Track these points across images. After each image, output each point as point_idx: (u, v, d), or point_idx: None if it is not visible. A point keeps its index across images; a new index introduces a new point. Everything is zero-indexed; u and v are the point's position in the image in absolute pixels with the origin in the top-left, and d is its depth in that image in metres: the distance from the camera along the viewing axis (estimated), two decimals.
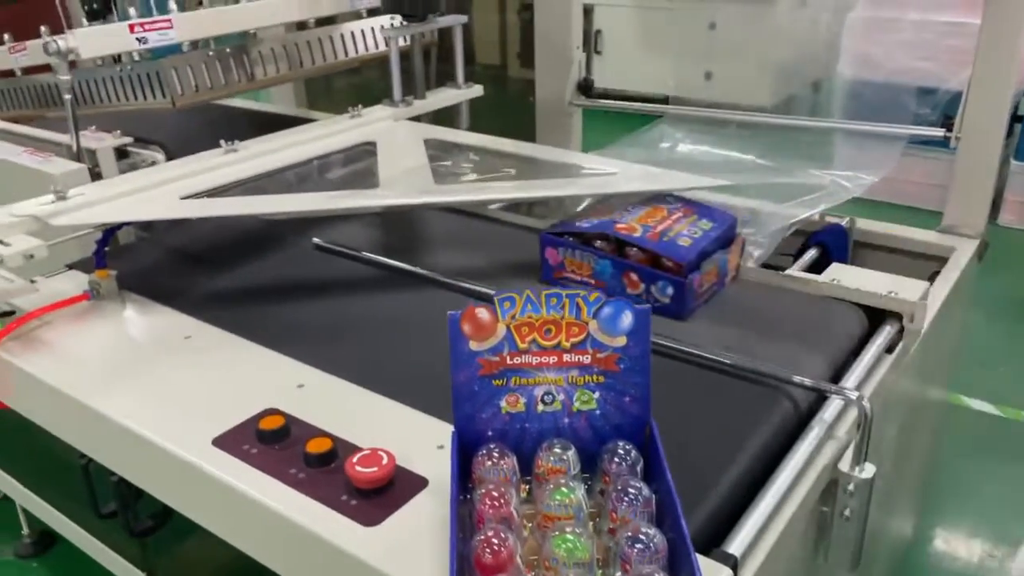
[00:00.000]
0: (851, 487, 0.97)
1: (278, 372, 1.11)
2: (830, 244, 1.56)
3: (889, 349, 1.17)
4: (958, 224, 1.56)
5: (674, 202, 1.35)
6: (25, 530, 1.99)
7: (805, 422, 1.01)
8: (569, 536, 0.69)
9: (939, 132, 1.59)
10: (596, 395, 0.81)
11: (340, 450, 0.92)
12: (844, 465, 0.98)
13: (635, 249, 1.22)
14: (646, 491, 0.74)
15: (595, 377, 0.80)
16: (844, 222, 1.59)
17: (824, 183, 1.62)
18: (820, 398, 1.04)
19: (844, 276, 1.26)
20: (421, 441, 0.94)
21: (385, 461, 0.88)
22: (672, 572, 0.68)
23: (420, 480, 0.89)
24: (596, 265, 1.25)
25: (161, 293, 1.33)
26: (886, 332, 1.17)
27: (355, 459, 0.88)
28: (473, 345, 0.79)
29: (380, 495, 0.86)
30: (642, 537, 0.68)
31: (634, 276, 1.22)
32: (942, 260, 1.49)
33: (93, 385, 1.11)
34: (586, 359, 0.79)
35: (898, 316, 1.19)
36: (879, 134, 1.72)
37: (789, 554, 0.92)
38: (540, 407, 0.81)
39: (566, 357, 0.80)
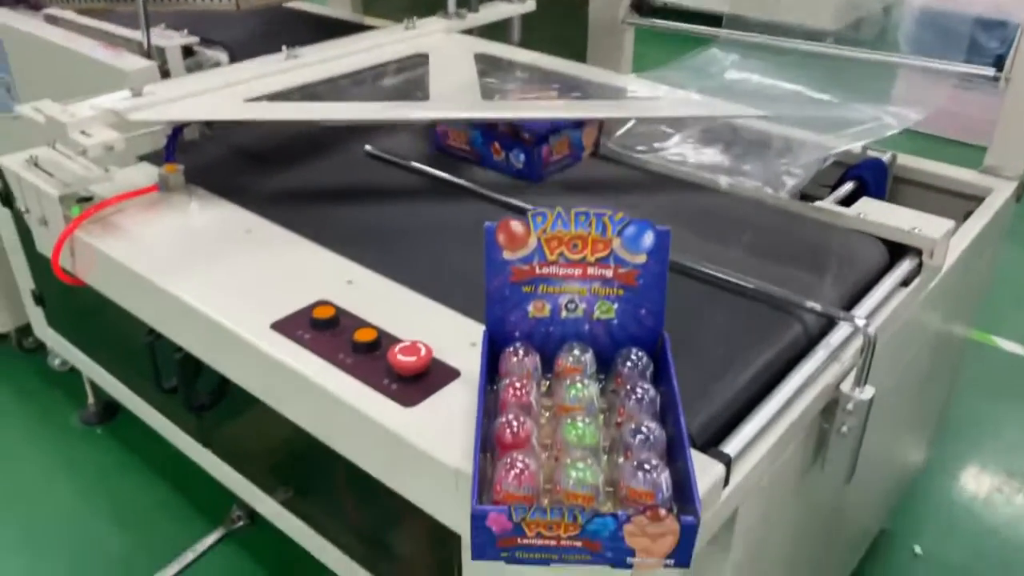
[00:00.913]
0: (850, 406, 1.04)
1: (329, 268, 1.21)
2: (868, 178, 1.58)
3: (906, 282, 1.22)
4: (1000, 165, 1.57)
5: (553, 86, 1.53)
6: (90, 400, 2.17)
7: (812, 346, 1.08)
8: (580, 424, 0.78)
9: (989, 71, 1.58)
10: (615, 306, 0.89)
11: (383, 340, 1.02)
12: (846, 386, 1.05)
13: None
14: (652, 392, 0.83)
15: (615, 290, 0.88)
16: (885, 157, 1.60)
17: (867, 117, 1.63)
18: (830, 323, 1.10)
19: (870, 210, 1.30)
20: (456, 338, 1.04)
21: (423, 352, 0.98)
22: (669, 463, 0.78)
23: (453, 371, 0.99)
24: (470, 135, 1.48)
25: (224, 188, 1.43)
26: (904, 266, 1.22)
27: (397, 349, 0.98)
28: (506, 254, 0.87)
29: (417, 382, 0.97)
30: (644, 429, 0.78)
31: (497, 145, 1.45)
32: (980, 200, 1.52)
33: (163, 267, 1.22)
34: (608, 273, 0.87)
35: (918, 251, 1.24)
36: (931, 70, 1.72)
37: (785, 461, 1.01)
38: (564, 313, 0.90)
39: (590, 270, 0.87)
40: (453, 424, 0.90)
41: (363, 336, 1.02)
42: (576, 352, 0.88)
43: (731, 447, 0.89)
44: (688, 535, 0.70)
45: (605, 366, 0.90)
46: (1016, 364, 2.50)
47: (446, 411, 0.93)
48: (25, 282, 1.88)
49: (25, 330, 2.17)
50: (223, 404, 1.45)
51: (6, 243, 1.77)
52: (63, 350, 1.92)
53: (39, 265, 1.69)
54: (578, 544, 0.71)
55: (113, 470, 2.04)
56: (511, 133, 1.42)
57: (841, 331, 1.08)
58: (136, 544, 1.83)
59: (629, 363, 0.87)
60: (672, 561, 0.71)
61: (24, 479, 2.01)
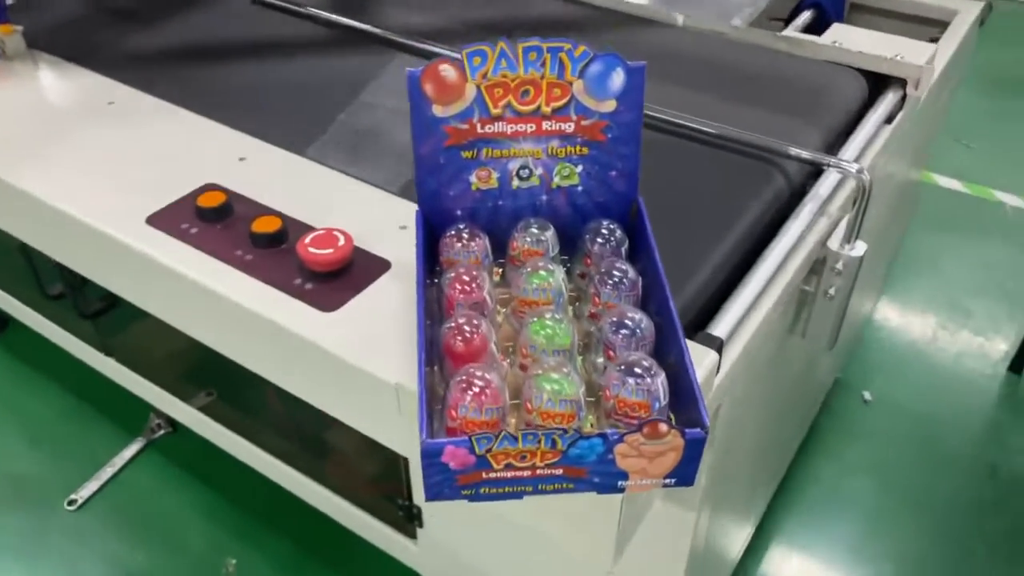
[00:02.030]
0: (839, 265, 0.92)
1: (216, 143, 1.00)
2: (825, 4, 1.42)
3: (889, 119, 1.08)
4: None
5: None
6: None
7: (797, 198, 0.93)
8: (548, 322, 0.62)
9: None
10: (579, 169, 0.71)
11: (290, 230, 0.84)
12: (833, 243, 0.92)
13: None
14: (632, 274, 0.67)
15: (578, 148, 0.70)
16: None
17: None
18: (814, 172, 0.96)
19: (845, 38, 1.14)
20: (381, 221, 0.86)
21: (342, 242, 0.80)
22: (658, 356, 0.63)
23: (381, 263, 0.81)
24: None
25: (77, 53, 1.18)
26: (888, 100, 1.07)
27: (308, 240, 0.80)
28: (437, 110, 0.68)
29: (337, 278, 0.79)
30: (628, 322, 0.62)
31: None
32: (941, 25, 1.37)
33: (6, 157, 0.99)
34: (569, 127, 0.69)
35: (901, 83, 1.09)
36: None
37: (769, 334, 0.89)
38: (515, 183, 0.72)
39: (545, 125, 0.69)
40: (387, 330, 0.73)
41: (264, 226, 0.83)
42: (534, 230, 0.71)
43: (721, 329, 0.75)
44: (694, 451, 0.56)
45: (569, 244, 0.74)
46: (954, 199, 2.48)
47: (377, 314, 0.75)
48: None
49: None
50: (119, 307, 1.27)
51: None
52: None
53: None
54: (558, 472, 0.57)
55: (14, 385, 1.84)
56: None
57: (829, 179, 0.94)
58: (49, 462, 1.68)
59: (600, 239, 0.71)
60: (673, 480, 0.58)
61: None
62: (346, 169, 0.94)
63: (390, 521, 1.23)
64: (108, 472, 1.66)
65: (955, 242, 2.28)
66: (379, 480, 1.23)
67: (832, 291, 0.94)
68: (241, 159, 0.96)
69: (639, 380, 0.57)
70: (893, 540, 1.53)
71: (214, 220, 0.86)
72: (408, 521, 1.19)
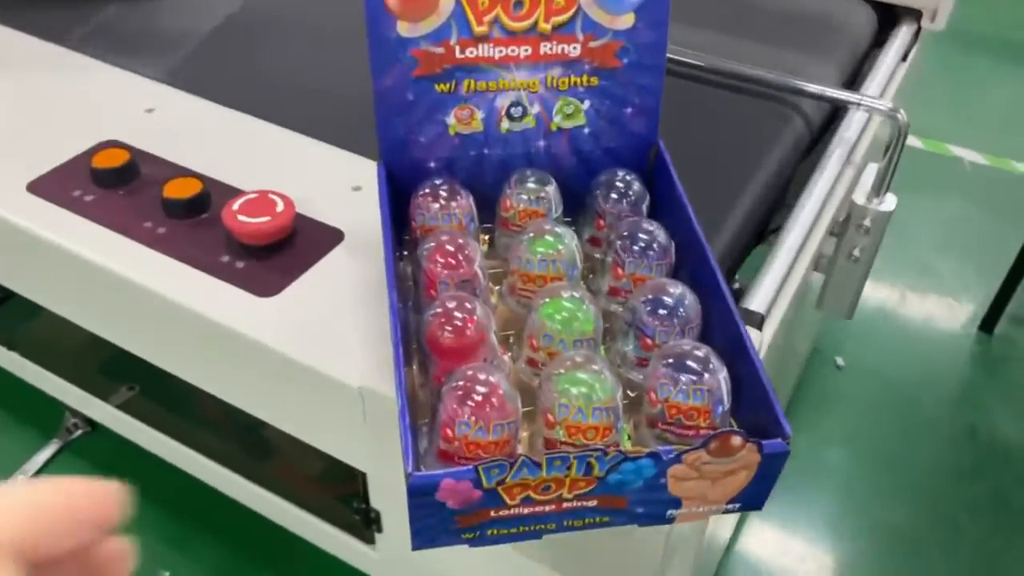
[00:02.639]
0: (867, 222, 0.79)
1: (116, 92, 0.82)
2: None
3: (904, 55, 0.96)
4: None
5: None
6: None
7: (816, 143, 0.80)
8: (566, 302, 0.47)
9: None
10: (585, 105, 0.56)
11: (214, 194, 0.67)
12: (859, 197, 0.79)
13: None
14: (663, 236, 0.52)
15: (585, 78, 0.55)
16: None
17: None
18: (832, 115, 0.83)
19: None
20: (329, 182, 0.70)
21: (280, 207, 0.63)
22: (703, 338, 0.49)
23: (332, 233, 0.65)
24: None
25: None
26: (902, 33, 0.94)
27: (236, 206, 0.63)
28: (403, 28, 0.52)
29: (277, 253, 0.63)
30: (666, 299, 0.48)
31: None
32: None
33: None
34: (574, 50, 0.53)
35: (915, 15, 0.97)
36: None
37: (795, 305, 0.76)
38: (505, 124, 0.56)
39: (544, 47, 0.53)
40: (343, 317, 0.57)
41: (180, 190, 0.66)
42: (532, 185, 0.55)
43: (758, 302, 0.61)
44: (772, 468, 0.43)
45: (574, 201, 0.58)
46: (911, 155, 2.41)
47: (330, 297, 0.59)
48: None
49: None
50: (18, 297, 1.08)
51: None
52: None
53: None
54: (591, 504, 0.42)
55: None
56: None
57: (855, 122, 0.80)
58: None
59: (614, 193, 0.55)
60: (737, 505, 0.44)
61: None
62: (280, 119, 0.77)
63: (344, 526, 1.09)
64: (21, 480, 1.48)
65: (917, 200, 2.21)
66: (331, 481, 1.08)
67: (857, 252, 0.82)
68: (148, 110, 0.78)
69: (695, 378, 0.43)
70: (872, 512, 1.46)
71: (115, 185, 0.68)
72: (366, 526, 1.05)
